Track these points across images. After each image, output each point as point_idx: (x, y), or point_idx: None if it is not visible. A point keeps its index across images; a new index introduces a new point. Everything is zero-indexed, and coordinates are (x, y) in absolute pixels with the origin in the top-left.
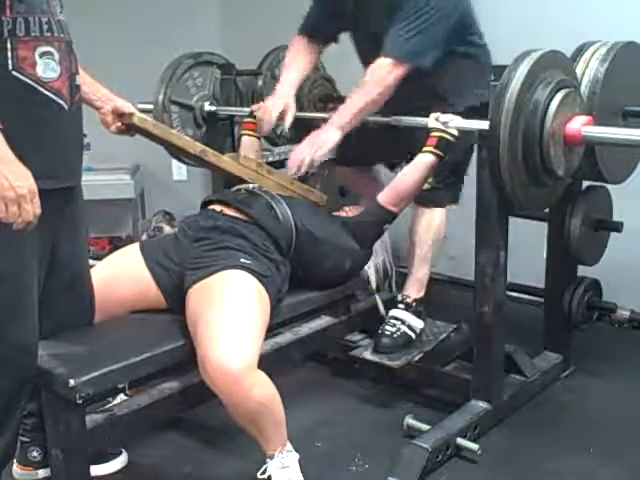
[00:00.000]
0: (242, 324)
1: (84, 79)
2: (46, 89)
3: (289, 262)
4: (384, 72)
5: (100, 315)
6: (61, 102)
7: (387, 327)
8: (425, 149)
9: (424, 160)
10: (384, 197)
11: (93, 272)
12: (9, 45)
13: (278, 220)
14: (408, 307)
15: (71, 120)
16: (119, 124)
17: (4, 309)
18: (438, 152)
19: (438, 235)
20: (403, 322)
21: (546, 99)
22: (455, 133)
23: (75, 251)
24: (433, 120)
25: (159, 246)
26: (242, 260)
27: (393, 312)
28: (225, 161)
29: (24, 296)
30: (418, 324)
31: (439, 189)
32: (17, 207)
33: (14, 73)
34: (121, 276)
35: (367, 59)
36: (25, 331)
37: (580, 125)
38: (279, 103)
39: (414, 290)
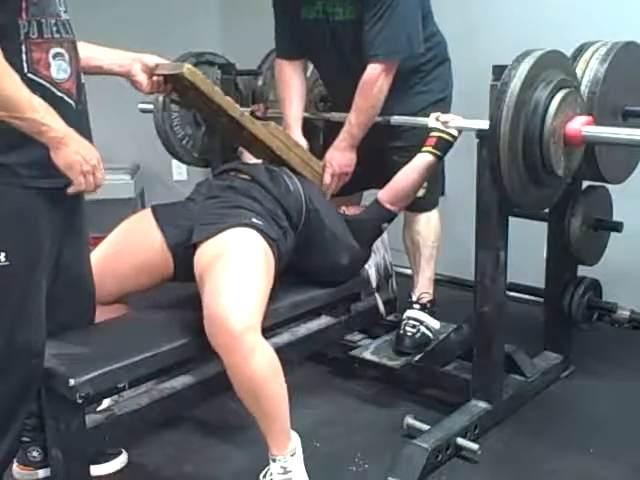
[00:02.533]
0: (248, 284)
1: (94, 50)
2: (59, 90)
3: (295, 237)
4: (377, 76)
5: (115, 284)
6: (71, 102)
7: (407, 328)
8: (424, 149)
9: (423, 160)
10: (383, 196)
11: (106, 240)
12: (24, 48)
13: (290, 192)
14: (424, 308)
15: (79, 119)
16: (152, 81)
17: (13, 309)
18: (437, 152)
19: (439, 233)
20: (421, 323)
21: (546, 99)
22: (455, 133)
23: (78, 252)
24: (433, 120)
25: (171, 207)
26: (254, 220)
27: (410, 313)
28: (258, 128)
29: (33, 297)
30: (435, 324)
31: (427, 195)
32: (92, 177)
33: (29, 75)
34: (131, 238)
35: (335, 75)
36: (33, 332)
37: (580, 125)
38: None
39: (426, 290)
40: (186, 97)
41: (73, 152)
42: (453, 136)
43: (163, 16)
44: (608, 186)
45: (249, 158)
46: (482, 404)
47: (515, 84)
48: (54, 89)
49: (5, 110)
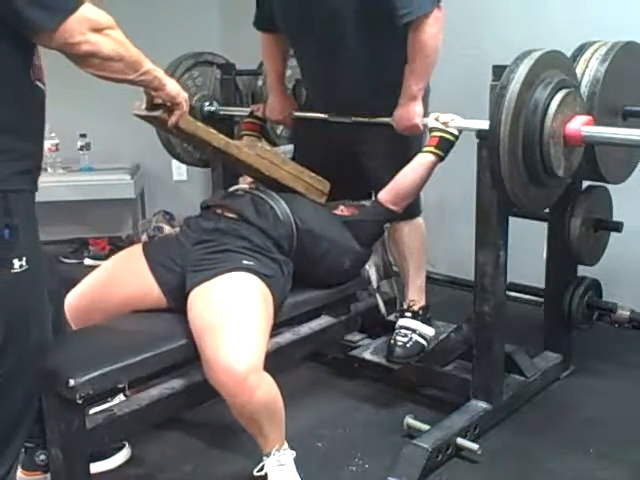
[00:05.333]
0: (247, 326)
1: None
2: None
3: (291, 261)
4: (428, 29)
5: (102, 315)
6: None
7: (398, 337)
8: (425, 149)
9: (424, 160)
10: (385, 196)
11: (95, 272)
12: (33, 60)
13: (279, 220)
14: (416, 315)
15: None
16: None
17: (33, 312)
18: (439, 152)
19: (425, 239)
20: (414, 331)
21: (546, 99)
22: (456, 133)
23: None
24: (433, 120)
25: (161, 247)
26: (245, 262)
27: (402, 322)
28: (246, 153)
29: (45, 297)
30: (429, 332)
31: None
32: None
33: (36, 83)
34: (123, 277)
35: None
36: (44, 330)
37: (580, 125)
38: (276, 109)
39: (417, 297)
40: (169, 130)
41: (174, 82)
42: (455, 136)
43: (163, 16)
44: (608, 186)
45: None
46: (482, 404)
47: (515, 85)
48: (45, 92)
49: (135, 70)
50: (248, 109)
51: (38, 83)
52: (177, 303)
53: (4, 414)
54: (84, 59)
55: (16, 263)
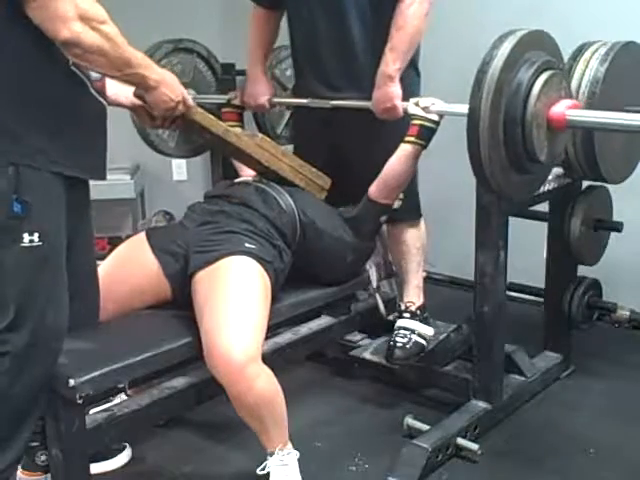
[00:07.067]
0: (247, 314)
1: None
2: (93, 87)
3: (292, 254)
4: (415, 5)
5: (113, 307)
6: (101, 100)
7: (398, 339)
8: (407, 139)
9: (407, 151)
10: (374, 192)
11: (102, 266)
12: None
13: (283, 211)
14: (414, 315)
15: (105, 117)
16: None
17: (45, 291)
18: (420, 142)
19: (424, 239)
20: (413, 331)
21: (529, 80)
22: (436, 119)
23: (86, 250)
24: (413, 105)
25: (165, 233)
26: (247, 245)
27: (400, 322)
28: (245, 142)
29: (61, 279)
30: (428, 331)
31: (407, 205)
32: (172, 111)
33: (72, 68)
34: (128, 264)
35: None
36: (60, 314)
37: (565, 108)
38: (254, 94)
39: (415, 298)
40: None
41: (162, 93)
42: (435, 122)
43: (163, 16)
44: (608, 186)
45: (245, 170)
46: (482, 404)
47: (496, 64)
48: (89, 85)
49: (119, 70)
50: (226, 97)
51: (75, 69)
52: (180, 287)
53: (14, 399)
54: (66, 46)
55: (25, 237)
